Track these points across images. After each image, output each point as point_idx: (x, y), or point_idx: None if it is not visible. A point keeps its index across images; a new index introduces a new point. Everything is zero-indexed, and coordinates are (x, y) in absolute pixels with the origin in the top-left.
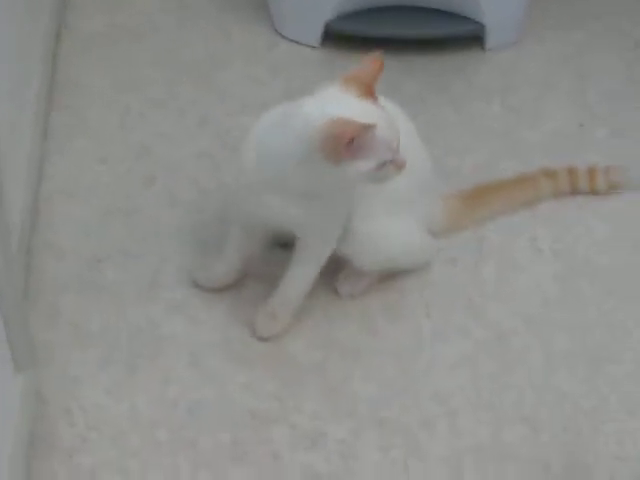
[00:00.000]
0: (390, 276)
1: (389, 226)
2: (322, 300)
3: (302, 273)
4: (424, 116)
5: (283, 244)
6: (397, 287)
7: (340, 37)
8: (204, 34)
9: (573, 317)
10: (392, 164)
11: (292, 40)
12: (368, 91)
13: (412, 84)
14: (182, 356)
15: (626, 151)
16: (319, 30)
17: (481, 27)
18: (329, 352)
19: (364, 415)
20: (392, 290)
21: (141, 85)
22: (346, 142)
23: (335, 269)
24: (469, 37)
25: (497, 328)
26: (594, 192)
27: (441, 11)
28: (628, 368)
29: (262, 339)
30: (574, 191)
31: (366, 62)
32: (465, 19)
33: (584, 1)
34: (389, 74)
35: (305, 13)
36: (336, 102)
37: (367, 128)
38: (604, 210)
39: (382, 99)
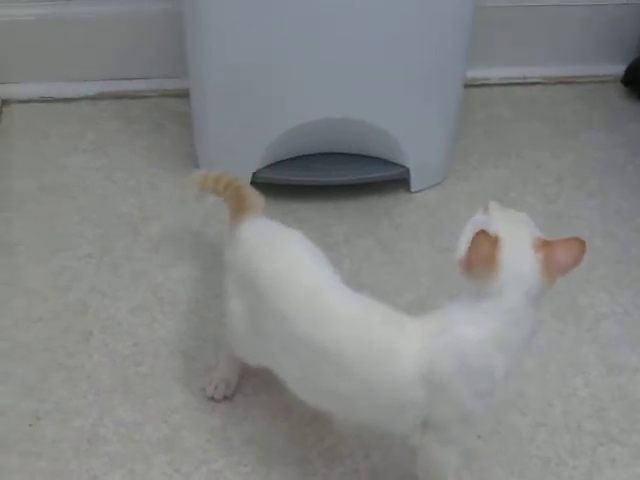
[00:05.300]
0: (328, 418)
1: None
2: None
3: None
4: (352, 258)
5: None
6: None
7: (269, 185)
8: (133, 187)
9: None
10: None
11: None
12: None
13: (340, 228)
14: None
15: None
16: (247, 180)
17: (406, 170)
18: None
19: None
20: (329, 433)
21: (74, 242)
22: None
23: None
24: (395, 180)
25: None
26: None
27: (367, 156)
28: None
29: None
30: None
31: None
32: (390, 163)
33: (505, 139)
34: (319, 219)
35: (233, 164)
36: None
37: None
38: None
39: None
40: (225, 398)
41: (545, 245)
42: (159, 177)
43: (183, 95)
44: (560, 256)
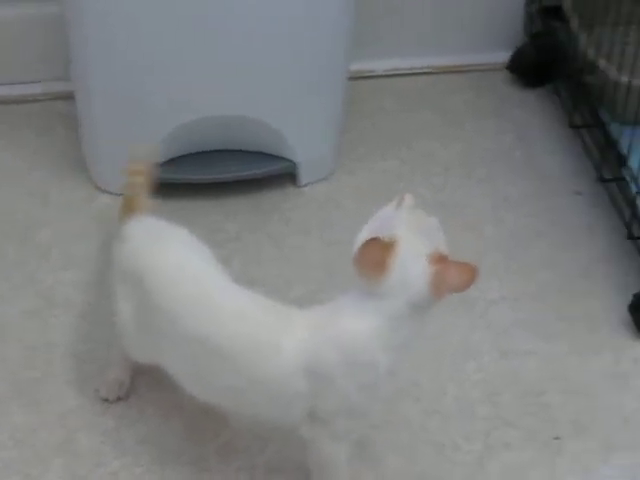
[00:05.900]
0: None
1: None
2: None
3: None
4: (243, 255)
5: None
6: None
7: (159, 185)
8: (22, 194)
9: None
10: None
11: (111, 192)
12: None
13: (230, 224)
14: None
15: None
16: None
17: (293, 165)
18: None
19: None
20: (225, 428)
21: None
22: None
23: None
24: (283, 175)
25: None
26: None
27: (254, 152)
28: None
29: None
30: None
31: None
32: (278, 158)
33: (394, 130)
34: (208, 216)
35: (120, 165)
36: None
37: None
38: None
39: None
40: (119, 399)
41: (440, 261)
42: (48, 182)
43: (71, 97)
44: (451, 276)
